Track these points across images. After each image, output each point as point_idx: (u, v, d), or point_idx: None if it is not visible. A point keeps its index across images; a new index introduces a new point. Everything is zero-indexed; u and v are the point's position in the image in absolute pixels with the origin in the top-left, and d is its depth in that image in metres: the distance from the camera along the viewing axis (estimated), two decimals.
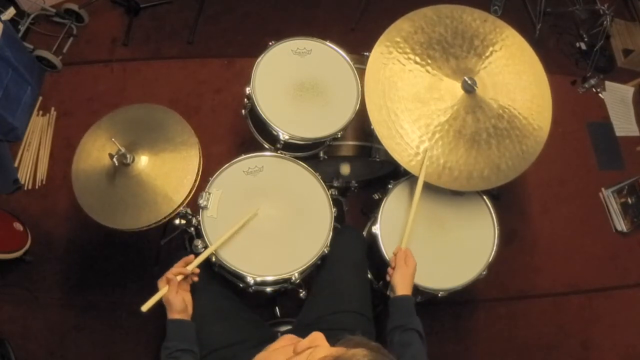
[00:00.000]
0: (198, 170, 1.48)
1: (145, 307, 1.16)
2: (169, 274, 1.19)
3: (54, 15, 2.47)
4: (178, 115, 1.55)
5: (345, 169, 1.88)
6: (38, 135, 2.31)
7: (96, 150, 1.49)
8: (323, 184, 1.53)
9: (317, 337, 0.73)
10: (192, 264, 1.24)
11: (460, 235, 1.58)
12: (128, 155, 1.42)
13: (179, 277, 1.19)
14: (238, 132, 2.37)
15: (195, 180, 1.47)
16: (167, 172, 1.47)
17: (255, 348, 0.89)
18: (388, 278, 1.37)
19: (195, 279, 1.25)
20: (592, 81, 2.66)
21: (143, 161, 1.47)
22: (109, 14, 2.62)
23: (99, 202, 1.44)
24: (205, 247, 1.37)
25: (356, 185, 2.07)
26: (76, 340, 2.00)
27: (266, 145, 1.67)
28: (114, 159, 1.40)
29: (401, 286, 1.32)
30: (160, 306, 1.19)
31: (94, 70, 2.49)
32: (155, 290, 1.19)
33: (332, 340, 0.73)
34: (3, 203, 2.12)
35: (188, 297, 1.22)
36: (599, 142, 2.59)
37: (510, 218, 2.34)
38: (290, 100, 1.62)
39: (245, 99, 1.67)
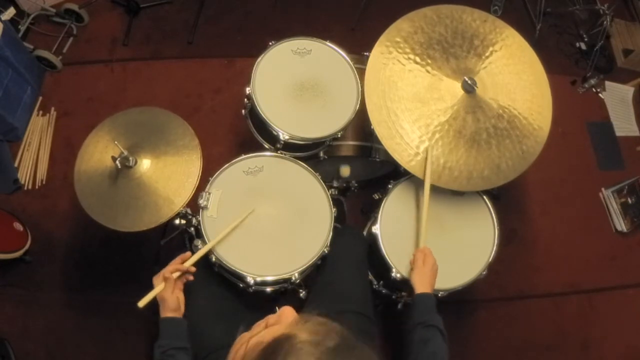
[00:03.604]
0: (199, 174, 1.48)
1: (141, 303, 1.17)
2: (166, 271, 1.19)
3: (54, 15, 2.47)
4: (180, 119, 1.56)
5: (345, 171, 1.87)
6: (38, 135, 2.31)
7: (98, 152, 1.50)
8: (323, 184, 1.53)
9: (285, 312, 0.74)
10: (189, 261, 1.23)
11: (460, 235, 1.58)
12: (130, 158, 1.43)
13: (176, 275, 1.19)
14: (238, 132, 2.37)
15: (196, 183, 1.47)
16: (168, 175, 1.47)
17: None
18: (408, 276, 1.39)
19: (191, 278, 1.25)
20: (592, 81, 2.66)
21: (145, 164, 1.47)
22: (109, 14, 2.62)
23: (101, 203, 1.45)
24: None
25: (356, 185, 2.07)
26: (76, 340, 2.00)
27: (266, 145, 1.67)
28: (117, 162, 1.40)
29: (420, 285, 1.33)
30: (156, 304, 1.19)
31: (94, 70, 2.48)
32: (152, 287, 1.19)
33: None
34: (3, 203, 2.12)
35: (182, 296, 1.21)
36: (599, 142, 2.59)
37: (510, 218, 2.34)
38: (290, 100, 1.62)
39: (245, 99, 1.67)
